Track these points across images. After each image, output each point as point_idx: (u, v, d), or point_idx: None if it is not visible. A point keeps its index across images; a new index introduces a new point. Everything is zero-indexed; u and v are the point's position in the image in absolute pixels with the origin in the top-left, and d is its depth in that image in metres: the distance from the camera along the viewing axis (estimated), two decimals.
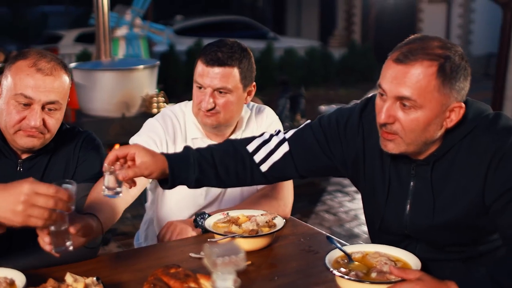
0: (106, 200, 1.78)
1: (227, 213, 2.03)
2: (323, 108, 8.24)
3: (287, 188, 2.26)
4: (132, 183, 1.67)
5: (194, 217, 2.09)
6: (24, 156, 1.96)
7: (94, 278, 1.53)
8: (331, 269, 1.57)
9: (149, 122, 2.27)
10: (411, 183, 1.72)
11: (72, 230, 1.52)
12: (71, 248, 1.52)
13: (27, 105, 1.84)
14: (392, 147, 1.62)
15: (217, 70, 2.10)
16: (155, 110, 5.31)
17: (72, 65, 5.86)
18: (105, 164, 1.65)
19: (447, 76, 1.53)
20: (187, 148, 1.84)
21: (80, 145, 2.04)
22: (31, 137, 1.87)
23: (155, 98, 5.43)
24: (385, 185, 1.75)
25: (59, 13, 21.79)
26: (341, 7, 19.17)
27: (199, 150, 1.83)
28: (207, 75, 2.11)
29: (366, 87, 12.79)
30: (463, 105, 1.59)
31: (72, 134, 2.07)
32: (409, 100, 1.54)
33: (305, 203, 5.39)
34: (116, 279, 1.65)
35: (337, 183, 6.19)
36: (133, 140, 2.18)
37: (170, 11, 16.01)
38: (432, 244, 1.76)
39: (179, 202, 2.23)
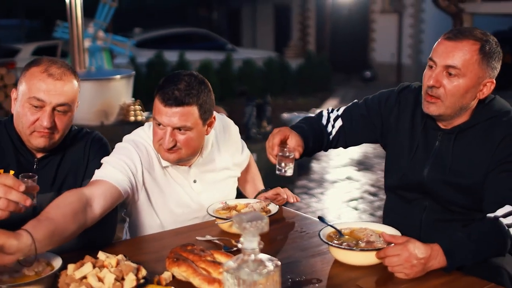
0: (57, 217, 1.74)
1: (225, 202, 2.26)
2: (285, 115, 8.57)
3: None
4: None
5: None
6: (39, 155, 2.15)
7: (123, 255, 1.73)
8: (326, 241, 1.83)
9: (125, 147, 2.17)
10: (436, 147, 2.08)
11: None
12: None
13: (40, 107, 2.03)
14: (433, 109, 2.01)
15: (175, 109, 2.04)
16: (132, 118, 5.50)
17: None
18: (280, 147, 2.04)
19: (486, 54, 1.94)
20: (298, 127, 2.23)
21: (89, 144, 2.23)
22: (43, 137, 2.06)
23: (132, 107, 5.61)
24: (413, 148, 2.13)
25: (12, 26, 21.52)
26: (296, 18, 19.60)
27: (306, 127, 2.26)
28: (165, 114, 2.05)
29: (323, 96, 13.20)
30: (494, 81, 1.99)
31: (81, 134, 2.26)
32: (455, 69, 1.94)
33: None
34: (136, 259, 1.83)
35: (303, 186, 6.47)
36: (106, 160, 2.11)
37: (128, 24, 16.07)
38: (441, 202, 2.09)
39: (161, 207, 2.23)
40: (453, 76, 1.96)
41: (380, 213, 5.47)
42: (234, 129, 2.46)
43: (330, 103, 12.19)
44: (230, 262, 1.39)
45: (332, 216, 5.51)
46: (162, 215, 2.24)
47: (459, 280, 1.72)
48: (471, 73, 1.95)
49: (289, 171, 2.08)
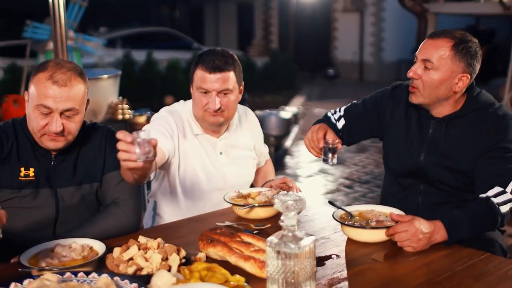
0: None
1: (238, 190, 2.46)
2: (258, 112, 8.77)
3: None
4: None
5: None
6: (54, 153, 2.23)
7: (161, 239, 1.90)
8: (341, 221, 2.05)
9: (162, 115, 2.54)
10: (429, 134, 2.32)
11: (153, 141, 1.73)
12: (151, 155, 1.73)
13: (48, 113, 2.10)
14: (413, 98, 2.27)
15: (218, 75, 2.42)
16: (120, 117, 5.60)
17: None
18: (324, 140, 2.30)
19: (459, 51, 2.18)
20: (327, 124, 2.47)
21: (104, 138, 2.33)
22: (54, 141, 2.14)
23: (120, 105, 5.72)
24: (408, 138, 2.36)
25: None
26: (259, 17, 19.82)
27: (330, 124, 2.50)
28: (210, 81, 2.43)
29: (289, 94, 13.45)
30: (469, 76, 2.21)
31: (94, 129, 2.36)
32: (430, 63, 2.19)
33: None
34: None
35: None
36: (148, 128, 2.45)
37: (90, 23, 15.94)
38: (436, 185, 2.32)
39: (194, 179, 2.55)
40: (429, 69, 2.21)
41: (358, 203, 5.72)
42: (252, 114, 2.83)
43: (297, 101, 12.47)
44: (272, 238, 1.58)
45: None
46: (189, 181, 2.51)
47: (460, 251, 1.96)
48: (444, 67, 2.19)
49: (334, 160, 2.34)
